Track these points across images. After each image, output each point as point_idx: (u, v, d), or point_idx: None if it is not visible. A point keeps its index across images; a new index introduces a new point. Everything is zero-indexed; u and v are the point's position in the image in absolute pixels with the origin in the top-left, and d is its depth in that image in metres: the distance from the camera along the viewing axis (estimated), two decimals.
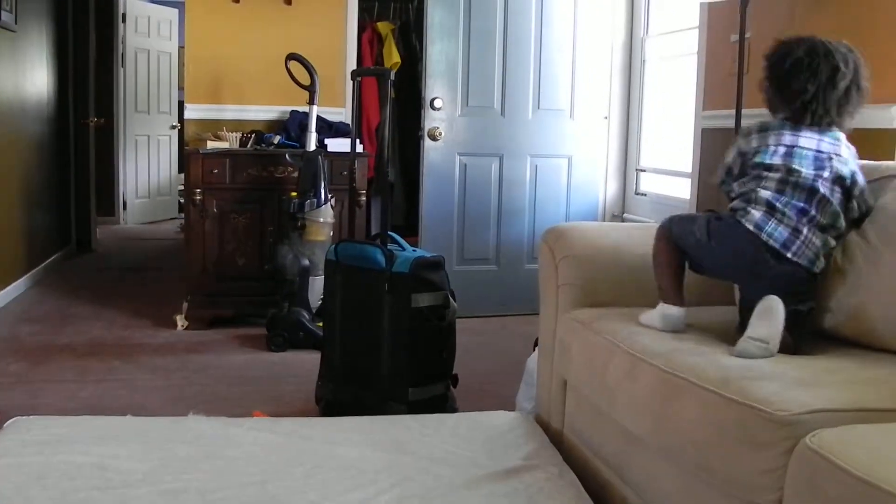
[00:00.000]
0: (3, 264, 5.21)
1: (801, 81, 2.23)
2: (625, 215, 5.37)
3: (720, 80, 4.05)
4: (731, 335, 2.17)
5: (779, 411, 1.63)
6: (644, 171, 5.31)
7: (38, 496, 2.03)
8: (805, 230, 2.15)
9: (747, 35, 3.68)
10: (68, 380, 3.72)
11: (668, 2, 5.10)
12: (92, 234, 7.53)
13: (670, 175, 4.96)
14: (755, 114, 3.66)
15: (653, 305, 2.35)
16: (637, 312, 2.37)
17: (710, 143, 4.18)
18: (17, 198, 5.57)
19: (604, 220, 5.30)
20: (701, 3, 4.24)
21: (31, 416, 2.59)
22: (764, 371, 1.84)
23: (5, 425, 2.49)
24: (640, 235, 2.77)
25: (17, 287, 5.42)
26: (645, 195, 5.25)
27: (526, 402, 3.01)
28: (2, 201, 5.20)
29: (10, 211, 5.41)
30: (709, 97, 4.22)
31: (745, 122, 3.67)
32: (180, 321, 4.63)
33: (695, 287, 2.47)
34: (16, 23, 5.36)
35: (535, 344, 2.94)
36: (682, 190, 4.66)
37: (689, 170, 4.43)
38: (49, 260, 6.32)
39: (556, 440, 2.59)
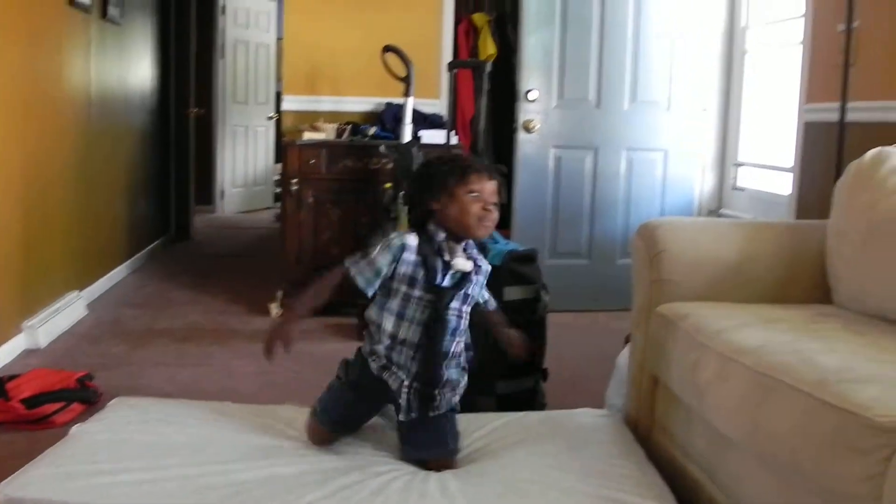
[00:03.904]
0: (107, 250, 5.39)
1: None
2: (721, 210, 5.26)
3: (825, 71, 3.93)
4: (814, 330, 2.12)
5: (879, 417, 1.56)
6: (742, 165, 5.19)
7: (138, 468, 2.11)
8: None
9: (855, 24, 3.57)
10: (167, 363, 3.83)
11: None
12: (190, 222, 7.73)
13: (770, 170, 4.84)
14: (862, 106, 3.56)
15: (747, 302, 2.29)
16: (732, 310, 2.32)
17: (814, 136, 4.06)
18: (121, 186, 5.75)
19: (700, 215, 5.20)
20: None
21: (133, 397, 2.68)
22: (863, 373, 1.78)
23: (109, 404, 2.59)
24: (736, 232, 2.72)
25: (119, 272, 5.61)
26: (743, 190, 5.13)
27: (616, 398, 2.98)
28: (107, 189, 5.37)
29: (114, 198, 5.59)
30: (813, 89, 4.09)
31: (850, 116, 3.57)
32: (274, 309, 4.72)
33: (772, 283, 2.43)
34: (121, 16, 5.53)
35: (627, 340, 2.90)
36: (782, 185, 4.53)
37: (791, 164, 4.30)
38: (150, 246, 6.52)
39: (645, 438, 2.55)
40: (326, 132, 4.81)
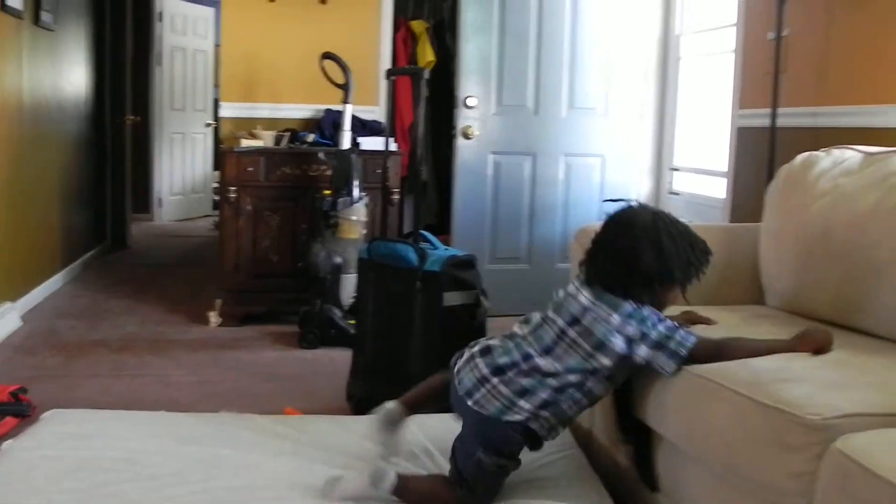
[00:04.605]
0: (41, 260, 5.28)
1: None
2: None
3: (757, 78, 4.01)
4: (749, 332, 2.16)
5: (810, 415, 1.61)
6: (678, 170, 5.27)
7: (72, 487, 2.07)
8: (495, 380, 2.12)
9: (785, 32, 3.65)
10: (103, 374, 3.76)
11: None
12: (127, 231, 7.62)
13: (705, 174, 4.92)
14: (792, 112, 3.65)
15: (687, 304, 2.30)
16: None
17: (746, 142, 4.14)
18: (55, 194, 5.64)
19: None
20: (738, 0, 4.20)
21: (67, 410, 2.64)
22: (795, 373, 1.82)
23: (42, 417, 2.54)
24: None
25: (54, 282, 5.50)
26: (679, 194, 5.21)
27: None
28: (40, 198, 5.26)
29: (49, 207, 5.48)
30: (745, 96, 4.18)
31: (781, 122, 3.65)
32: (213, 318, 4.67)
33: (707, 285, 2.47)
34: (55, 22, 5.43)
35: None
36: (716, 189, 4.62)
37: (725, 169, 4.39)
38: (85, 256, 6.40)
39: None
40: (264, 139, 4.78)
